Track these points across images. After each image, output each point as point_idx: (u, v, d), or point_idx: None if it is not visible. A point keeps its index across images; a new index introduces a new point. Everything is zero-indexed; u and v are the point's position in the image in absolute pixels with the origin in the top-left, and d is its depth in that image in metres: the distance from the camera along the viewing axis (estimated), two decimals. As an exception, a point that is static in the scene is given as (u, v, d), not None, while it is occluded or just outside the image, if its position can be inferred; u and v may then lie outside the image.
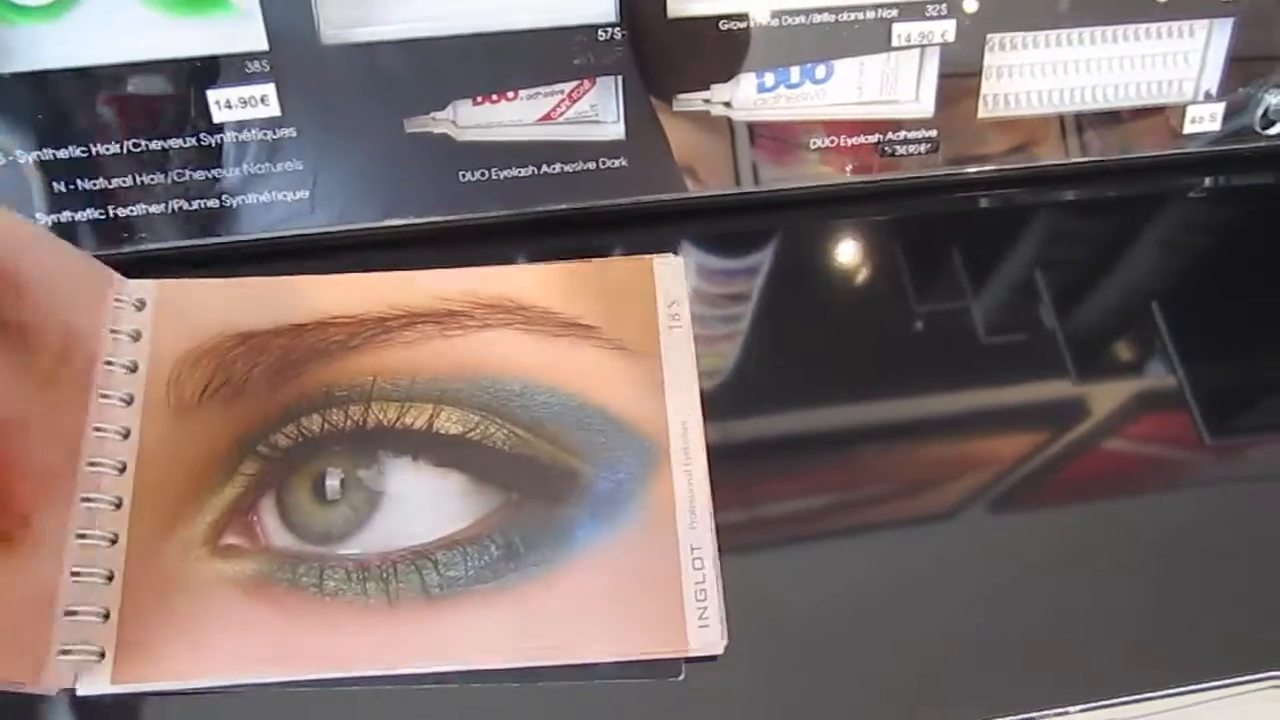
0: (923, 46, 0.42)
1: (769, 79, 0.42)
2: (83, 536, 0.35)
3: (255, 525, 0.35)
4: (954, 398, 0.41)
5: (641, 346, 0.39)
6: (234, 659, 0.34)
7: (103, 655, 0.34)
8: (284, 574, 0.35)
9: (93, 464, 0.36)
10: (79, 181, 0.40)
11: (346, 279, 0.40)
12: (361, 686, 0.34)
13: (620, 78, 0.41)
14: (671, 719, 0.35)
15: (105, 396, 0.37)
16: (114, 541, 0.36)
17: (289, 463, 0.36)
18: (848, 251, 0.45)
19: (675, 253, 0.41)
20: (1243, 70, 0.45)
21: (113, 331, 0.38)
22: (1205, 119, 0.45)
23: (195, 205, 0.41)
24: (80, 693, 0.34)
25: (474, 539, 0.36)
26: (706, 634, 0.35)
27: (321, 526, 0.35)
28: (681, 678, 0.36)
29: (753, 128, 0.43)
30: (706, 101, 0.42)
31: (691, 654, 0.35)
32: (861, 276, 0.44)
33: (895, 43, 0.42)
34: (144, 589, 0.35)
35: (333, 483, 0.36)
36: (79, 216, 0.40)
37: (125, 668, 0.34)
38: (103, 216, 0.40)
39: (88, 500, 0.35)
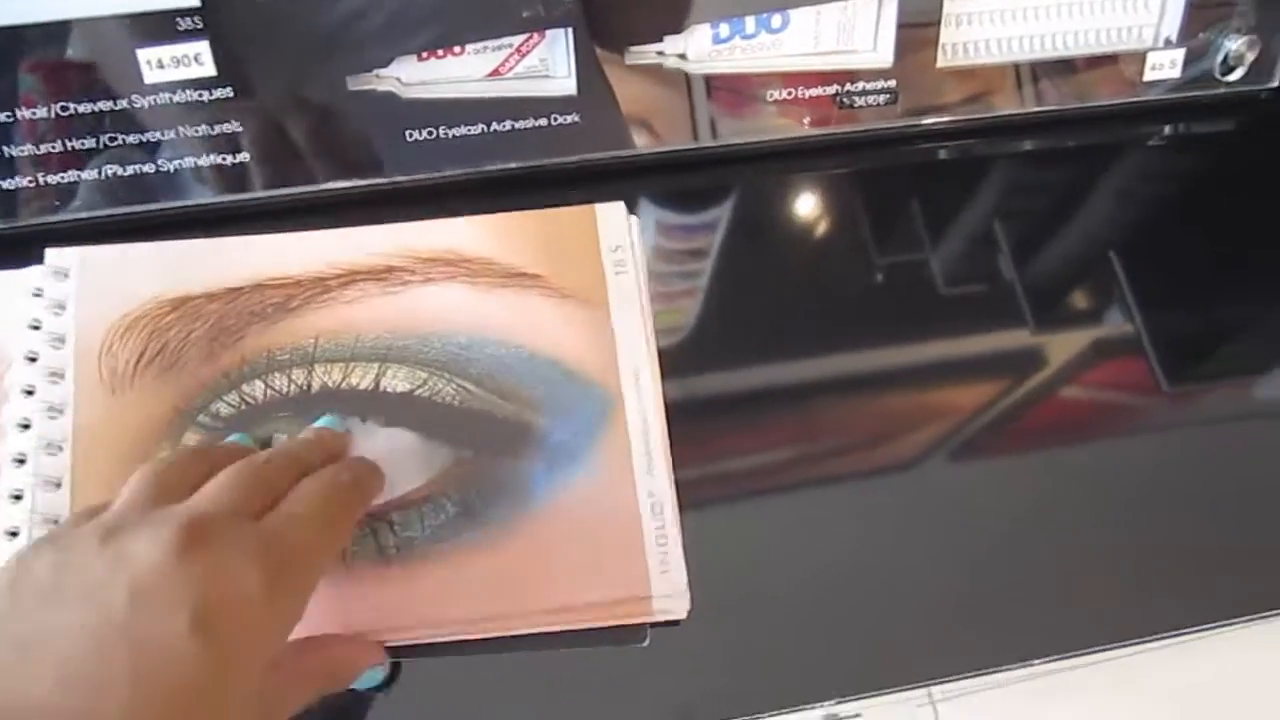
0: (879, -7, 0.41)
1: (724, 29, 0.41)
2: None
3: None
4: (914, 349, 0.40)
5: (588, 294, 0.38)
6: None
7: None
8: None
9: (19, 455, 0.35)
10: (4, 148, 0.38)
11: (279, 239, 0.38)
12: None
13: (570, 30, 0.40)
14: (636, 678, 0.35)
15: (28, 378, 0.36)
16: (55, 523, 0.34)
17: (233, 431, 0.35)
18: (806, 205, 0.44)
19: (633, 210, 0.40)
20: (1203, 16, 0.45)
21: (35, 298, 0.37)
22: (1165, 66, 0.44)
23: (129, 171, 0.39)
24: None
25: (429, 498, 0.34)
26: (669, 579, 0.35)
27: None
28: (646, 643, 0.35)
29: (709, 80, 0.42)
30: (660, 54, 0.41)
31: (654, 597, 0.34)
32: (820, 230, 0.43)
33: (851, -11, 0.41)
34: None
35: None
36: (5, 184, 0.38)
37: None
38: (31, 184, 0.39)
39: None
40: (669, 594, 0.34)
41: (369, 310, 0.37)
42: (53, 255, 0.37)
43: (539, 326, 0.37)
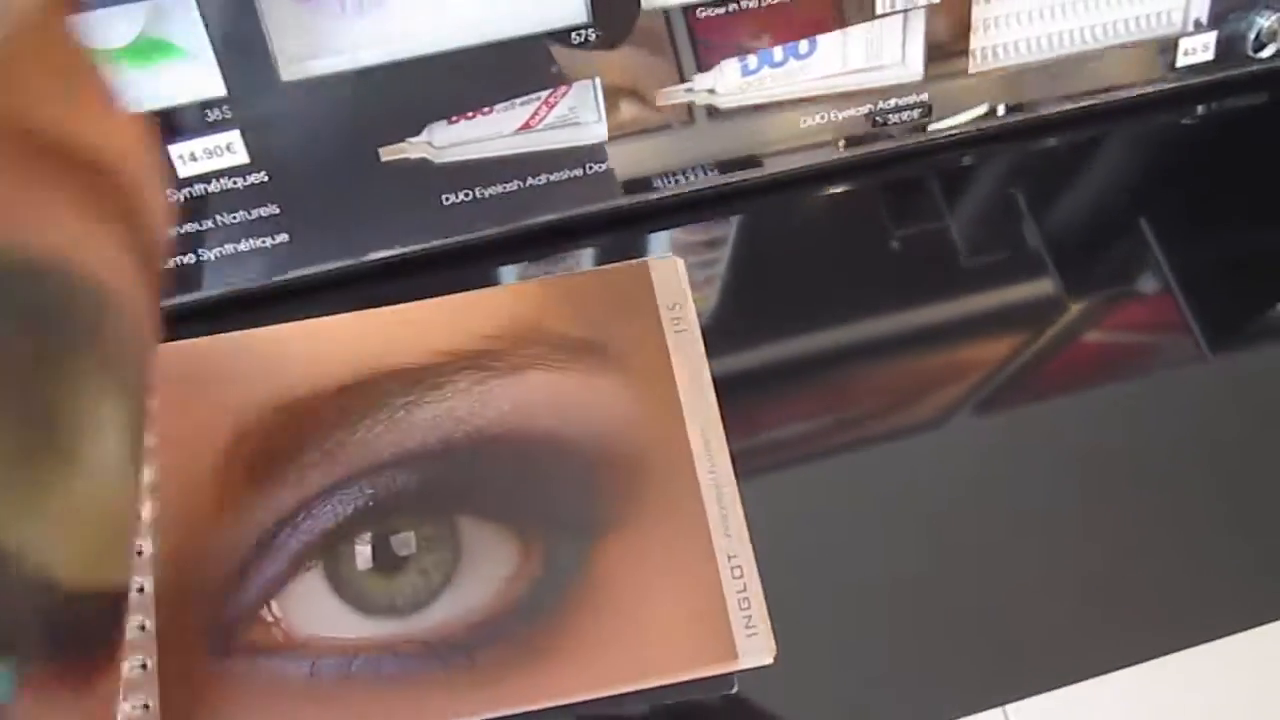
0: (908, 10, 0.40)
1: (752, 61, 0.40)
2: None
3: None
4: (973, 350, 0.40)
5: (650, 361, 0.38)
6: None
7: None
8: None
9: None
10: (44, 254, 0.38)
11: (358, 320, 0.38)
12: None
13: (599, 78, 0.39)
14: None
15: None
16: (143, 629, 0.35)
17: (344, 533, 0.36)
18: (833, 225, 0.43)
19: (670, 251, 0.40)
20: (1229, -5, 0.44)
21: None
22: (1198, 50, 0.44)
23: (170, 264, 0.39)
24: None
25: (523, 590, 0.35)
26: (756, 641, 0.35)
27: (386, 598, 0.35)
28: (735, 690, 0.36)
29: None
30: (689, 91, 0.41)
31: (741, 658, 0.35)
32: (848, 251, 0.43)
33: (880, 9, 0.40)
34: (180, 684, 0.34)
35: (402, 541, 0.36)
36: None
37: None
38: (74, 286, 0.38)
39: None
40: (757, 651, 0.35)
41: (469, 403, 0.37)
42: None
43: (612, 416, 0.37)
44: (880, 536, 0.38)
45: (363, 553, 0.36)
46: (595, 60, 0.39)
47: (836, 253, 0.43)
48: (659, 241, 0.41)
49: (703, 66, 0.40)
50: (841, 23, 0.40)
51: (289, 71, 0.36)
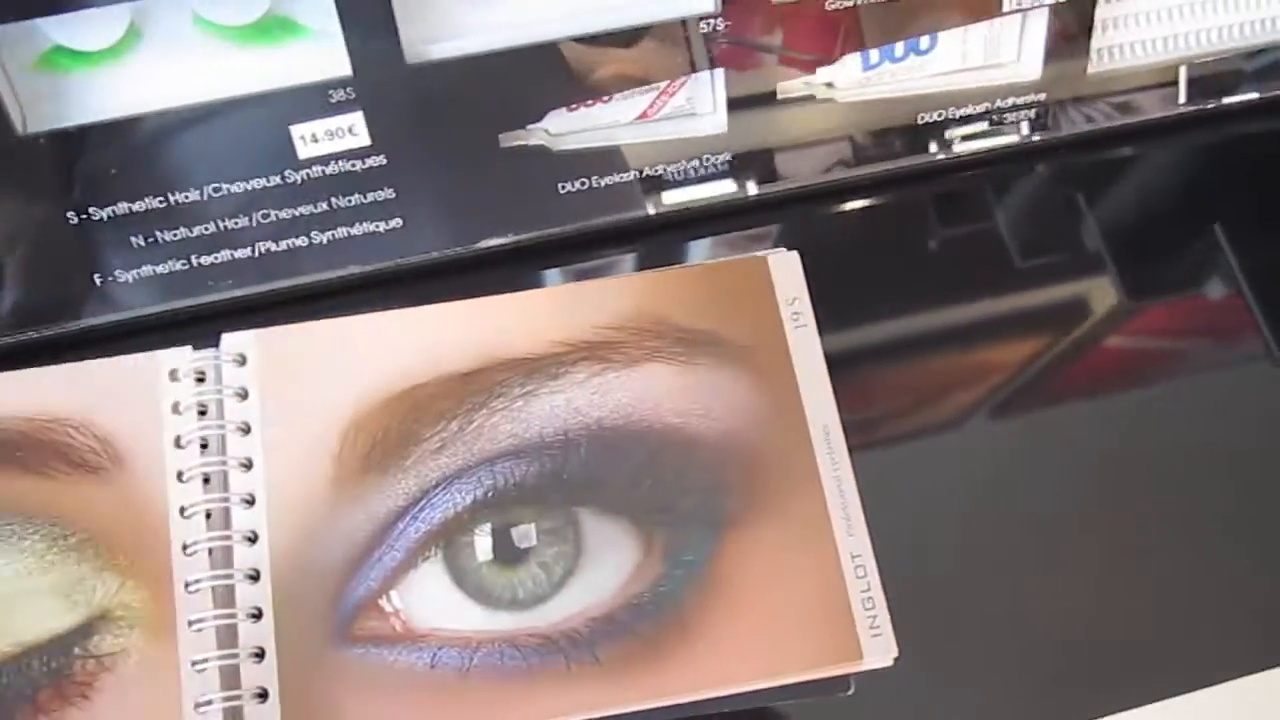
0: (1032, 9, 0.40)
1: (873, 55, 0.40)
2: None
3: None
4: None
5: (770, 356, 0.38)
6: None
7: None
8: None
9: (191, 544, 0.34)
10: (158, 234, 0.37)
11: (475, 308, 0.38)
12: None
13: (721, 69, 0.39)
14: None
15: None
16: (258, 617, 0.34)
17: (464, 523, 0.35)
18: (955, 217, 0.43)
19: (787, 246, 0.40)
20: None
21: (198, 382, 0.36)
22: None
23: (283, 246, 0.38)
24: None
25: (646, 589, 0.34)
26: (880, 641, 0.34)
27: (507, 590, 0.34)
28: (851, 691, 0.35)
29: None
30: (808, 84, 0.40)
31: (864, 659, 0.34)
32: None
33: (1006, 7, 0.39)
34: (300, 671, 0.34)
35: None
36: (160, 269, 0.38)
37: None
38: (185, 267, 0.38)
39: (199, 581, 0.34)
40: (880, 651, 0.34)
41: (587, 393, 0.36)
42: (230, 340, 0.37)
43: (734, 409, 0.36)
44: (988, 534, 0.37)
45: (482, 544, 0.35)
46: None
47: (947, 249, 0.42)
48: (774, 236, 0.41)
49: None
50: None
51: (414, 54, 0.36)
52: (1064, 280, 0.42)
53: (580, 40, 0.37)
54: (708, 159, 0.40)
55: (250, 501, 0.35)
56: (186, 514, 0.35)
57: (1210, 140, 0.45)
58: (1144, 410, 0.40)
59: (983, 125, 0.42)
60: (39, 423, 0.36)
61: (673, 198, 0.40)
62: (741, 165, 0.40)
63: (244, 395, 0.36)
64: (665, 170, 0.40)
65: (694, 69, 0.38)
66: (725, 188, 0.41)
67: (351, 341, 0.37)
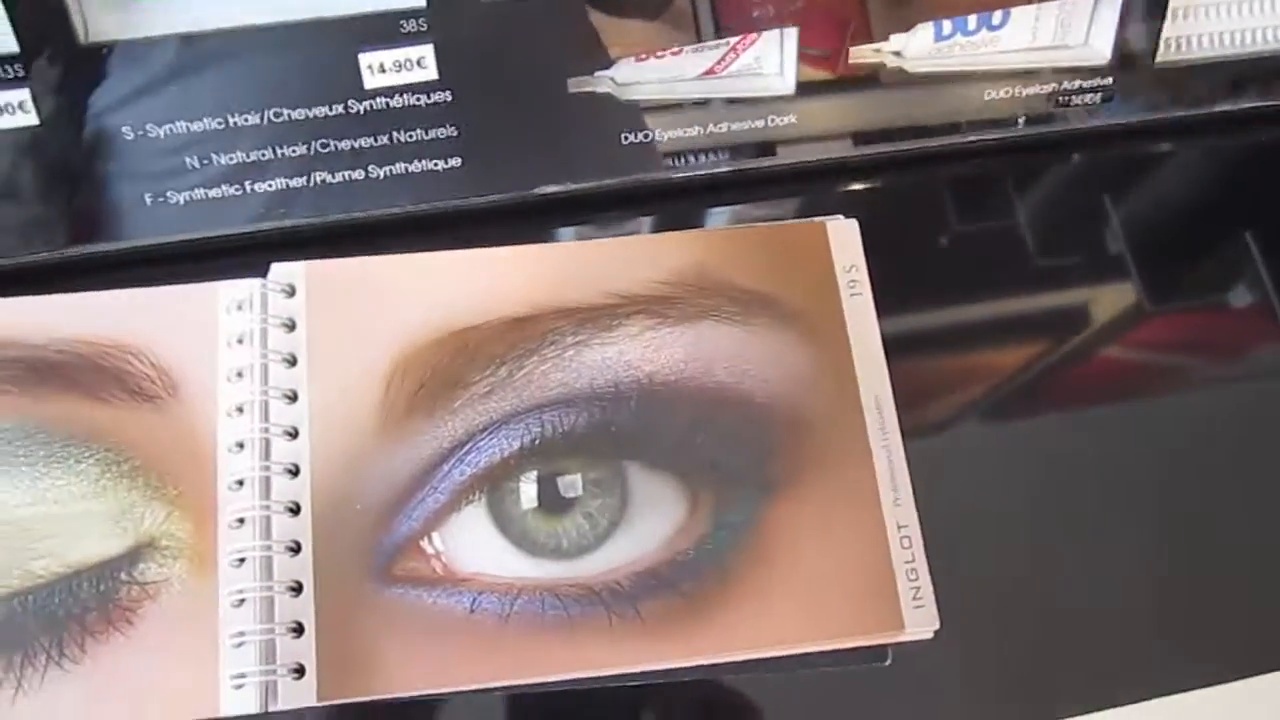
0: (1109, -11, 0.39)
1: (946, 26, 0.39)
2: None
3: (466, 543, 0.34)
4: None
5: (825, 321, 0.37)
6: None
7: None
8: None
9: (237, 479, 0.34)
10: (213, 156, 0.36)
11: (530, 254, 0.37)
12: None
13: (794, 28, 0.38)
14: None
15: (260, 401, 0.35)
16: (296, 551, 0.34)
17: (510, 469, 0.34)
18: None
19: (845, 214, 0.39)
20: None
21: (239, 312, 0.36)
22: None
23: (339, 178, 0.37)
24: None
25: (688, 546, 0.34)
26: (923, 613, 0.34)
27: (551, 539, 0.34)
28: (889, 662, 0.35)
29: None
30: (877, 51, 0.40)
31: (906, 630, 0.34)
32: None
33: (1083, -14, 0.39)
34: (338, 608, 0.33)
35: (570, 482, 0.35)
36: (212, 194, 0.37)
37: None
38: (238, 192, 0.37)
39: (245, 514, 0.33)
40: (922, 623, 0.34)
41: (641, 347, 0.36)
42: (279, 270, 0.36)
43: (787, 373, 0.36)
44: (1031, 517, 0.37)
45: (528, 491, 0.35)
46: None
47: (1004, 226, 0.42)
48: (832, 204, 0.40)
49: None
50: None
51: (489, -11, 0.35)
52: (1112, 275, 0.42)
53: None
54: (772, 120, 0.39)
55: (293, 434, 0.35)
56: (235, 449, 0.34)
57: None
58: (1211, 404, 0.40)
59: (1047, 106, 0.41)
60: (100, 347, 0.35)
61: (734, 158, 0.40)
62: (806, 128, 0.40)
63: (291, 326, 0.36)
64: (729, 128, 0.39)
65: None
66: (788, 154, 0.40)
67: (402, 279, 0.37)
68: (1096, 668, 0.36)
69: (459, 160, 0.38)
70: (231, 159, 0.36)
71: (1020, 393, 0.39)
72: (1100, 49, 0.41)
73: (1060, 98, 0.41)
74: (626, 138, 0.39)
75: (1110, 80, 0.41)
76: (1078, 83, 0.41)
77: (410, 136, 0.37)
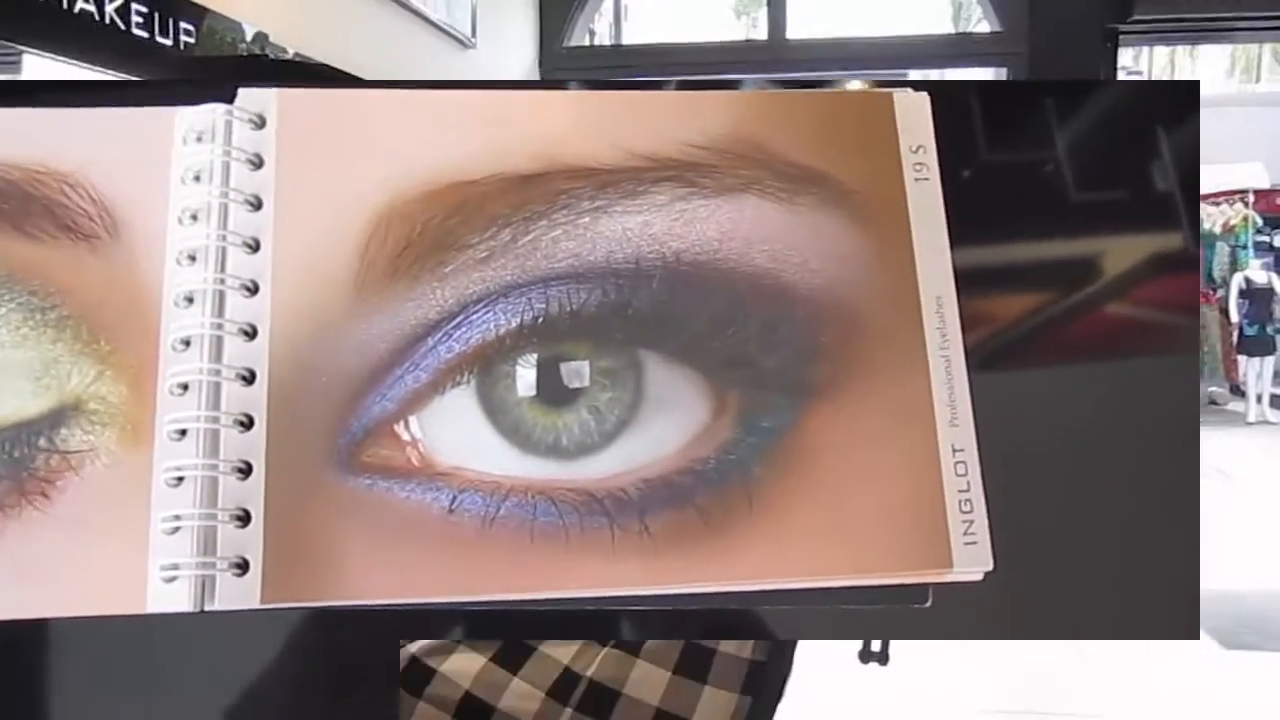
0: None
1: None
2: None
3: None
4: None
5: (885, 206, 0.32)
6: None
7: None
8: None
9: (182, 337, 0.28)
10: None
11: (547, 100, 0.31)
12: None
13: None
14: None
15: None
16: (248, 425, 0.29)
17: (506, 349, 0.29)
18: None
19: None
20: None
21: (199, 143, 0.30)
22: None
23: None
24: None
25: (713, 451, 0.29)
26: (975, 551, 0.29)
27: (549, 434, 0.28)
28: (928, 604, 0.30)
29: None
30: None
31: (955, 570, 0.29)
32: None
33: None
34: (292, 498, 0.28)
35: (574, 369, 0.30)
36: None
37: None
38: None
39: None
40: (973, 561, 0.29)
41: (667, 219, 0.30)
42: (246, 96, 0.30)
43: (833, 258, 0.30)
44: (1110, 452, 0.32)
45: (525, 376, 0.29)
46: None
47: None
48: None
49: None
50: None
51: None
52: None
53: None
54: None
55: (252, 289, 0.29)
56: (183, 303, 0.29)
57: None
58: None
59: None
60: (30, 172, 0.29)
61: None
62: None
63: (257, 163, 0.30)
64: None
65: None
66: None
67: (393, 119, 0.31)
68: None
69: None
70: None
71: (1114, 318, 0.34)
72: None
73: None
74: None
75: None
76: None
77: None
